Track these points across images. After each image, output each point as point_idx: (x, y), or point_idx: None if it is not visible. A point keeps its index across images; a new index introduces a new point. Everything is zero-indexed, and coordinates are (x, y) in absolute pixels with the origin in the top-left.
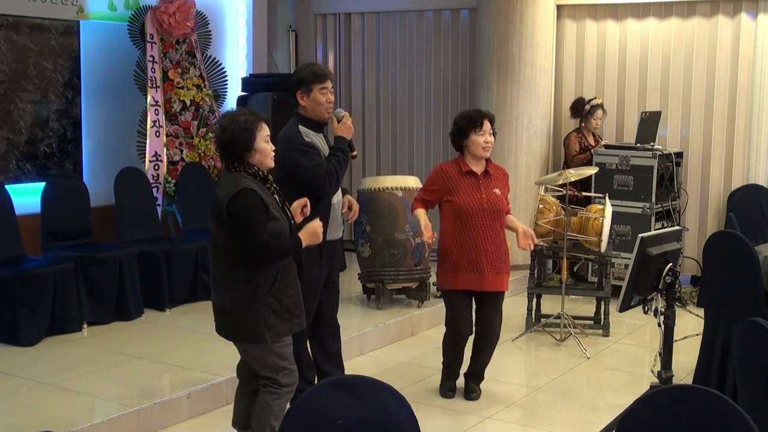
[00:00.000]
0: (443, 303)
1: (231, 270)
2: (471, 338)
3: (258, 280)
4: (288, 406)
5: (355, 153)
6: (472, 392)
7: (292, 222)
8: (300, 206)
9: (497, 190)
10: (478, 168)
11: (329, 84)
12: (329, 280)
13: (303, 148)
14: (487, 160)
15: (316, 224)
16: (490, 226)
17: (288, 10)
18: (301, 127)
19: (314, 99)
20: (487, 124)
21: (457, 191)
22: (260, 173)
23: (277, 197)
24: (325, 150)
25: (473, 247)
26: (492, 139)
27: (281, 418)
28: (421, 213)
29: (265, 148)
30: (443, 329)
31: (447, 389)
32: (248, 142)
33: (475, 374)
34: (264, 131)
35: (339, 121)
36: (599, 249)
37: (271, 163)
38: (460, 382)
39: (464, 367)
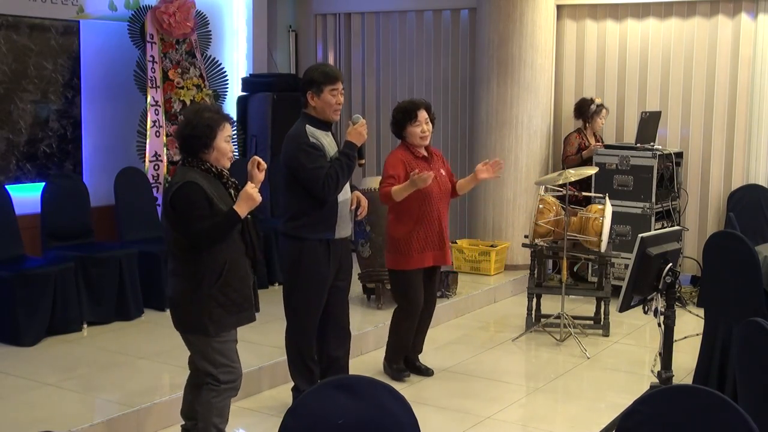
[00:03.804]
0: (397, 285)
1: (179, 262)
2: None
3: (204, 272)
4: (229, 402)
5: (362, 161)
6: (427, 370)
7: (248, 217)
8: (254, 164)
9: (442, 171)
10: (424, 154)
11: (340, 85)
12: (338, 279)
13: (307, 148)
14: (426, 145)
15: (248, 187)
16: (444, 205)
17: (288, 10)
18: (308, 126)
19: (324, 100)
20: (422, 114)
21: None
22: (214, 170)
23: (232, 192)
24: (332, 149)
25: (437, 226)
26: (429, 127)
27: (225, 415)
28: (397, 186)
29: (224, 147)
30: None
31: (403, 371)
32: (208, 139)
33: (420, 349)
34: (225, 131)
35: (354, 125)
36: (599, 249)
37: (228, 164)
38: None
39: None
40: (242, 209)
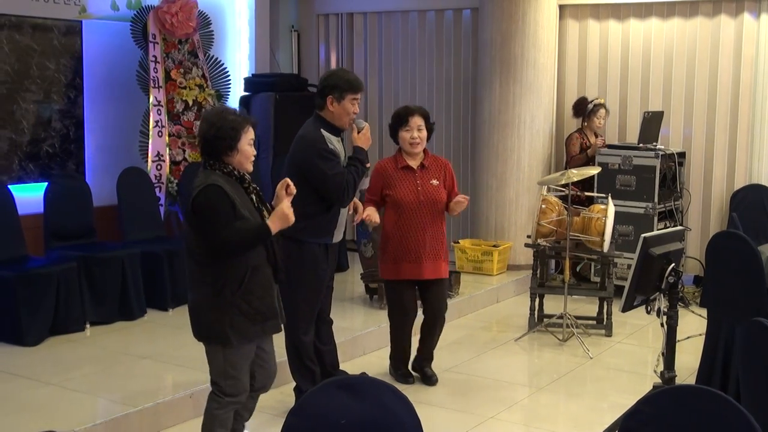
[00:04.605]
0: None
1: (199, 268)
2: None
3: (224, 279)
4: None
5: (368, 164)
6: (431, 377)
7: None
8: (283, 187)
9: (434, 182)
10: (414, 162)
11: (360, 96)
12: (329, 279)
13: (326, 154)
14: (426, 153)
15: (284, 206)
16: (428, 216)
17: (290, 10)
18: (323, 131)
19: (344, 107)
20: (414, 121)
21: (394, 186)
22: (236, 173)
23: (254, 197)
24: (342, 155)
25: (412, 237)
26: (420, 134)
27: (227, 426)
28: (369, 208)
29: (247, 150)
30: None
31: (407, 376)
32: (233, 141)
33: (427, 357)
34: (249, 134)
35: (359, 131)
36: (602, 249)
37: (250, 167)
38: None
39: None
40: (275, 226)
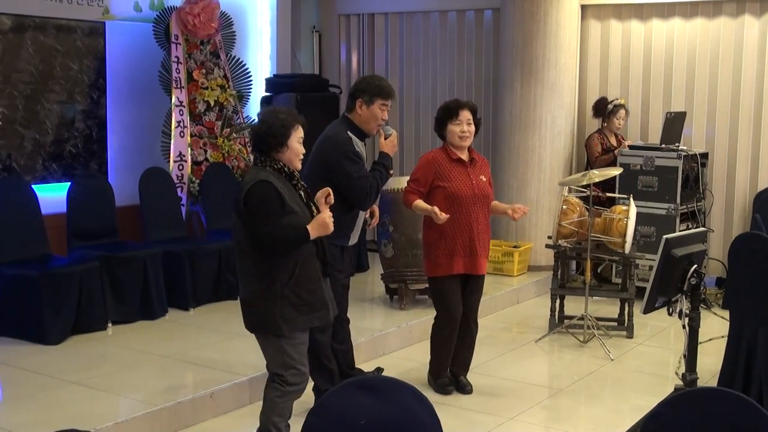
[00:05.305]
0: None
1: (251, 262)
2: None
3: (275, 272)
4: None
5: (392, 171)
6: (465, 387)
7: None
8: (324, 195)
9: (483, 177)
10: (464, 156)
11: (390, 103)
12: (344, 278)
13: (353, 157)
14: (470, 149)
15: (325, 215)
16: (481, 211)
17: (312, 11)
18: (350, 133)
19: (372, 112)
20: (464, 114)
21: (448, 178)
22: (286, 170)
23: (302, 193)
24: (365, 158)
25: (467, 231)
26: (469, 128)
27: (286, 415)
28: (420, 203)
29: (296, 147)
30: None
31: (447, 385)
32: (283, 137)
33: (464, 366)
34: (299, 132)
35: (386, 138)
36: (623, 250)
37: (299, 165)
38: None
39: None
40: (314, 232)
